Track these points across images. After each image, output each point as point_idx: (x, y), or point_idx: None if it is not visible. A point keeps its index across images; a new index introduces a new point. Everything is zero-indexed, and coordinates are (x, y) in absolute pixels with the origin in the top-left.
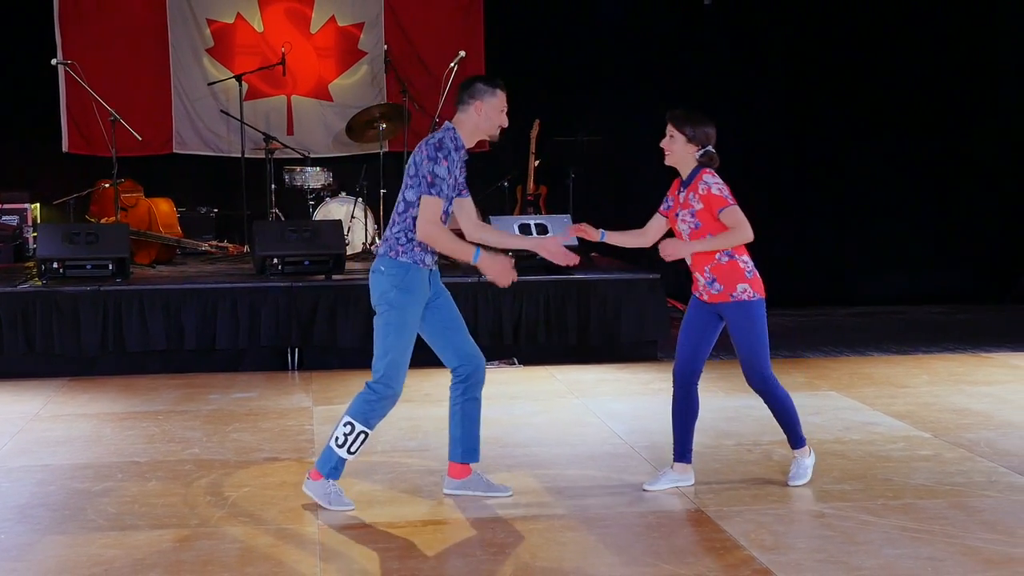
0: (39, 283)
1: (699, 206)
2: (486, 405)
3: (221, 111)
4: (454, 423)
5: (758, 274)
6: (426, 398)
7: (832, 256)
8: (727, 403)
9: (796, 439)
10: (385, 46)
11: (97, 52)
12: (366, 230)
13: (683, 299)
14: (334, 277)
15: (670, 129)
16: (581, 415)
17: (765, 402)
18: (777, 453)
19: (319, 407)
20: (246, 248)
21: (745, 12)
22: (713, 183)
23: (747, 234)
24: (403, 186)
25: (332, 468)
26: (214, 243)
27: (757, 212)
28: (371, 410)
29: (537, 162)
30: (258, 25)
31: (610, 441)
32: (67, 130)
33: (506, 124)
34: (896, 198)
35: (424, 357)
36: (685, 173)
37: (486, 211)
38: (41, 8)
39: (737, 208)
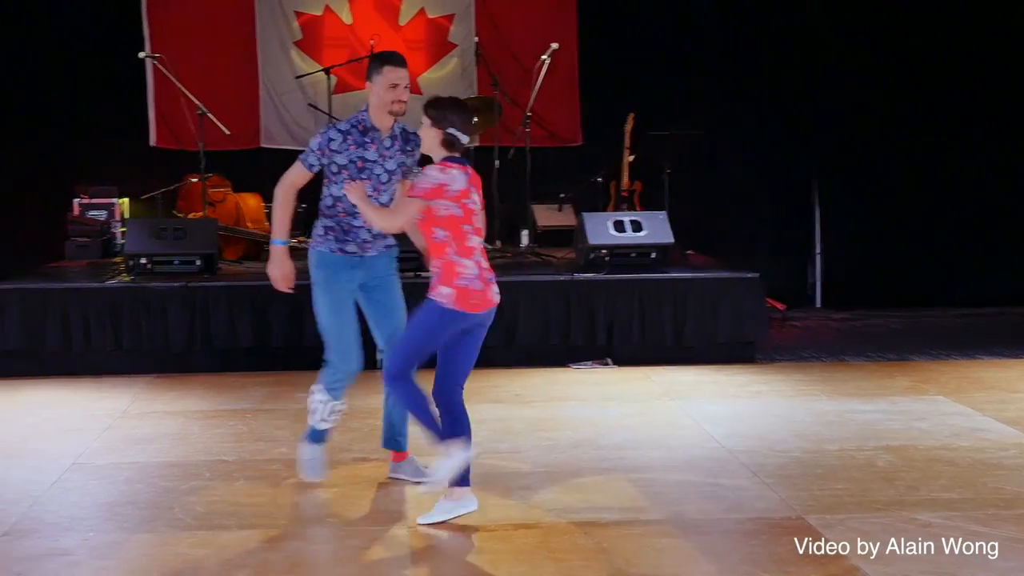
0: (127, 279)
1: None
2: (580, 405)
3: (309, 105)
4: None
5: (473, 291)
6: (517, 399)
7: (938, 256)
8: (828, 407)
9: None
10: (476, 38)
11: (184, 45)
12: None
13: (782, 299)
14: (422, 275)
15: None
16: (677, 417)
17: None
18: (882, 459)
19: None
20: None
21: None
22: (428, 172)
23: (390, 222)
24: None
25: (308, 434)
26: (302, 238)
27: (864, 211)
28: (332, 382)
29: (632, 157)
30: (347, 17)
31: (706, 445)
32: (155, 124)
33: (400, 99)
34: (1004, 198)
35: (504, 358)
36: (436, 159)
37: (579, 206)
38: (129, 2)
39: (413, 200)
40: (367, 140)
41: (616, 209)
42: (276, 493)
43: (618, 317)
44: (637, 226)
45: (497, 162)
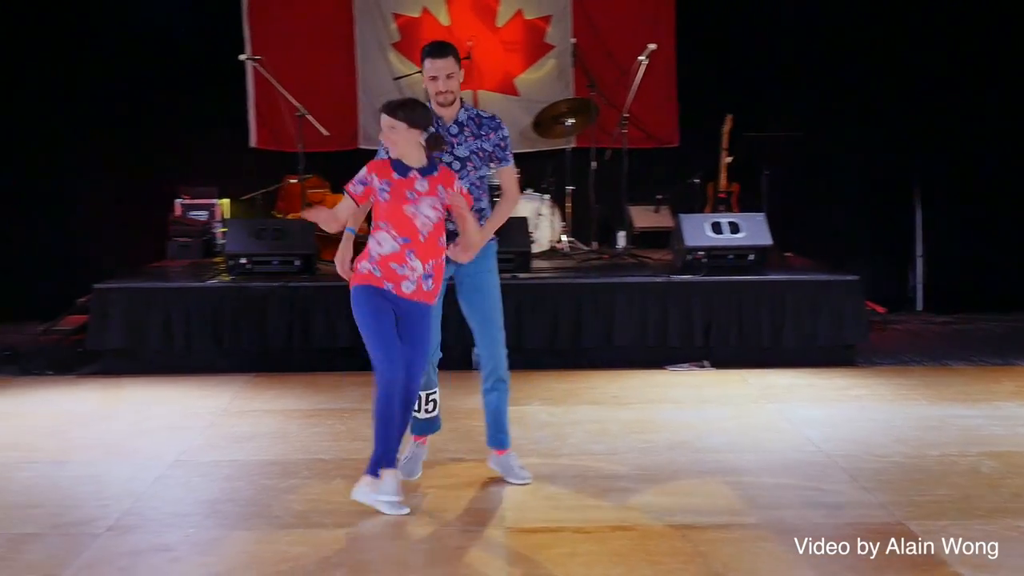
0: (227, 279)
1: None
2: (677, 408)
3: None
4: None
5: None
6: (614, 400)
7: None
8: (930, 412)
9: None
10: (573, 39)
11: (284, 47)
12: (553, 227)
13: (883, 302)
14: (520, 276)
15: (387, 121)
16: (774, 421)
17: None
18: (985, 465)
19: None
20: None
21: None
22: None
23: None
24: None
25: (415, 428)
26: None
27: (966, 213)
28: None
29: (730, 159)
30: (444, 19)
31: (805, 448)
32: (254, 125)
33: (440, 90)
34: None
35: (601, 359)
36: (417, 160)
37: (676, 208)
38: (230, 4)
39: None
40: (465, 127)
41: (713, 211)
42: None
43: (715, 319)
44: (735, 228)
45: (594, 163)
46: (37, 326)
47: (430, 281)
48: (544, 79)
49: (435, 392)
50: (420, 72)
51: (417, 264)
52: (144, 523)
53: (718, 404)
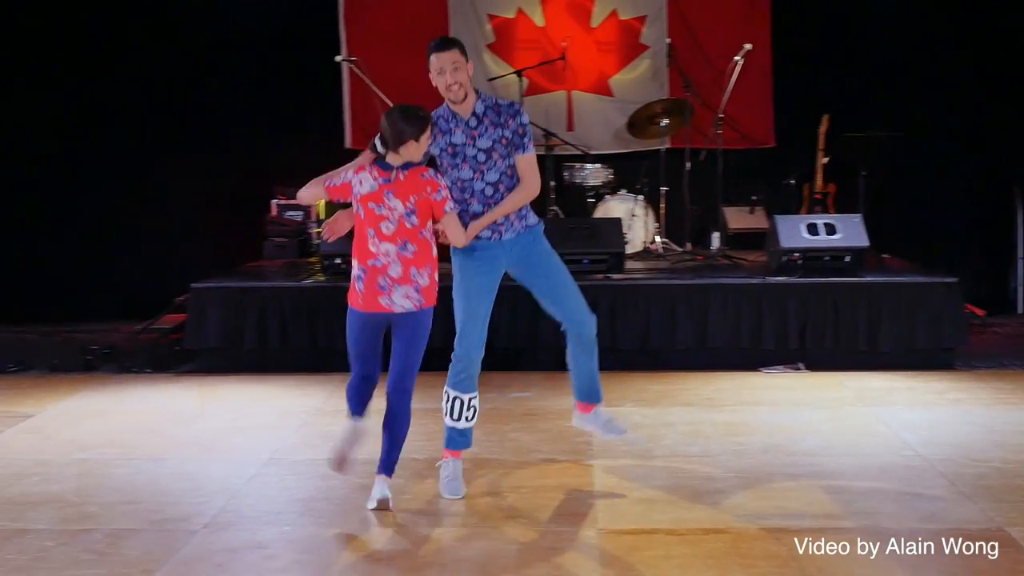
0: (322, 278)
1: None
2: (772, 410)
3: None
4: (571, 370)
5: (356, 290)
6: (708, 402)
7: None
8: None
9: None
10: (668, 40)
11: (379, 48)
12: (647, 228)
13: (982, 305)
14: (613, 277)
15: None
16: (871, 424)
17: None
18: None
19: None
20: None
21: None
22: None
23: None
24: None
25: (447, 440)
26: None
27: None
28: (453, 374)
29: (826, 159)
30: (539, 19)
31: (902, 453)
32: (350, 126)
33: (449, 83)
34: None
35: (695, 361)
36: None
37: (771, 209)
38: (326, 6)
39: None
40: (451, 125)
41: (809, 212)
42: (466, 492)
43: (811, 321)
44: (831, 229)
45: (688, 164)
46: (136, 325)
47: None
48: (639, 80)
49: (475, 397)
50: (515, 73)
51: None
52: (239, 520)
53: (813, 407)
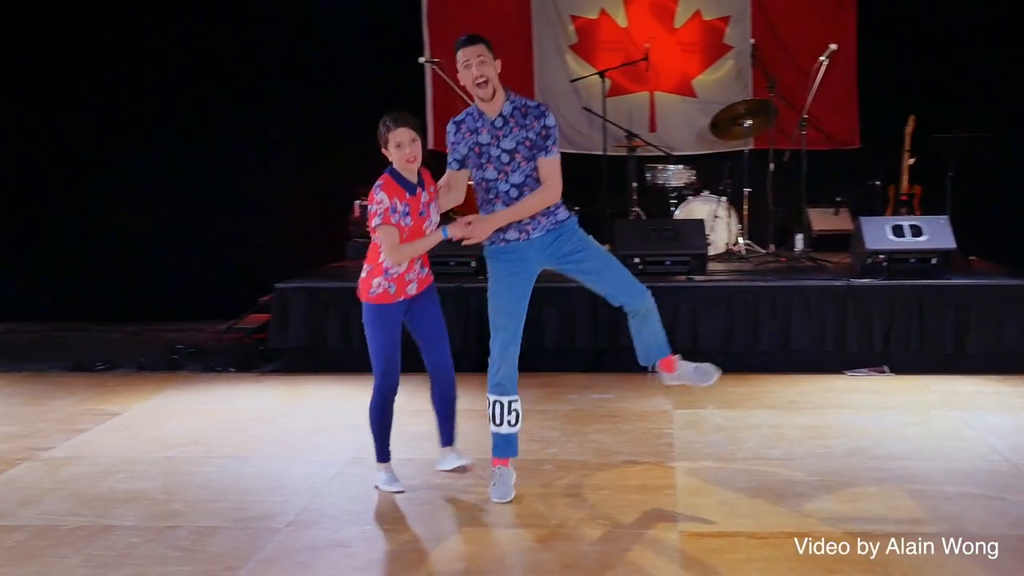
0: None
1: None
2: (855, 413)
3: (583, 108)
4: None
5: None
6: (790, 405)
7: None
8: None
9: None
10: (752, 40)
11: None
12: (729, 230)
13: None
14: (696, 278)
15: (408, 135)
16: (957, 428)
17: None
18: None
19: (679, 411)
20: (606, 247)
21: None
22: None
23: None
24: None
25: (493, 447)
26: None
27: None
28: (489, 377)
29: (912, 160)
30: (622, 20)
31: (989, 457)
32: (433, 128)
33: (471, 79)
34: None
35: (778, 364)
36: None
37: (856, 210)
38: (410, 8)
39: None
40: (479, 125)
41: (895, 213)
42: (547, 493)
43: (896, 324)
44: (917, 231)
45: (772, 165)
46: (220, 324)
47: (419, 265)
48: (722, 80)
49: (516, 400)
50: (597, 74)
51: (416, 263)
52: (322, 519)
53: (898, 410)
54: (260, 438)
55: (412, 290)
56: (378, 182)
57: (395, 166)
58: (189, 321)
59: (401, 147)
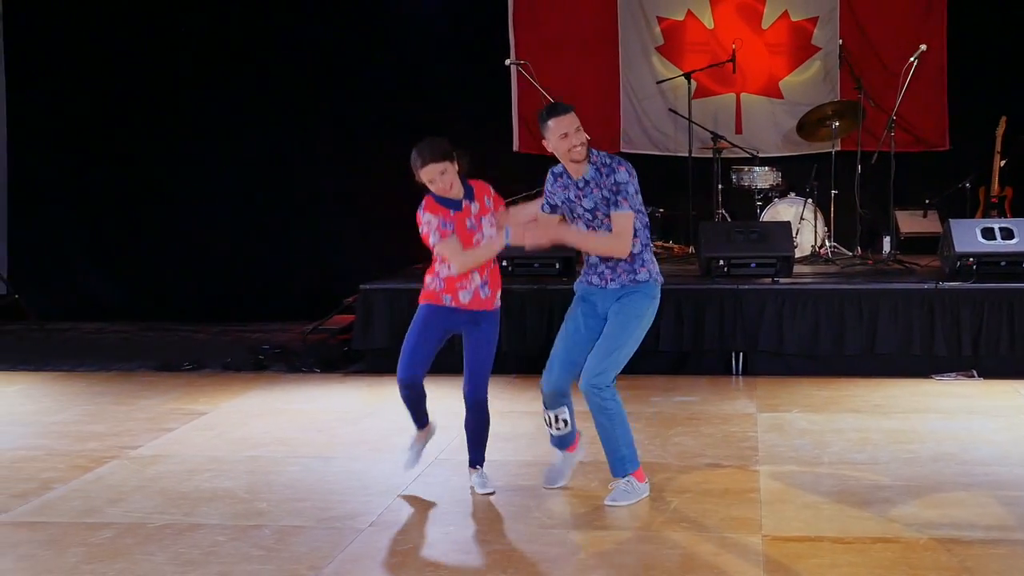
0: None
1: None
2: (943, 418)
3: (669, 110)
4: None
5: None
6: (876, 409)
7: None
8: None
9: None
10: (840, 41)
11: (548, 52)
12: (815, 232)
13: None
14: (781, 280)
15: (437, 168)
16: None
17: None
18: None
19: (763, 414)
20: (691, 249)
21: None
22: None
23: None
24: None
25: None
26: (659, 243)
27: None
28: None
29: (1003, 162)
30: (708, 22)
31: None
32: (518, 130)
33: (573, 144)
34: None
35: (864, 367)
36: (459, 191)
37: (945, 213)
38: (496, 11)
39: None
40: (567, 181)
41: (985, 216)
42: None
43: (985, 328)
44: (1008, 233)
45: (859, 167)
46: (305, 325)
47: (486, 288)
48: (809, 81)
49: (564, 412)
50: (683, 76)
51: (475, 276)
52: (405, 520)
53: (987, 415)
54: (344, 438)
55: (465, 299)
56: (420, 204)
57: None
58: (274, 322)
59: (433, 183)
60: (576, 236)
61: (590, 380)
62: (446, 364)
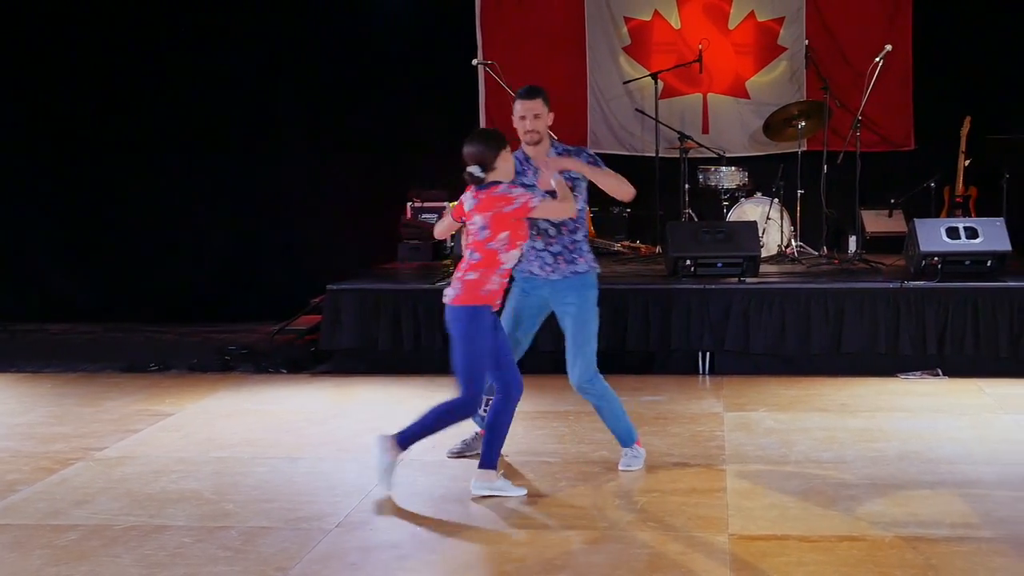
0: None
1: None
2: (908, 416)
3: (636, 110)
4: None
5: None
6: (842, 408)
7: None
8: None
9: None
10: (806, 41)
11: (515, 52)
12: (782, 232)
13: None
14: (748, 280)
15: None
16: (1012, 432)
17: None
18: None
19: (730, 413)
20: (658, 249)
21: None
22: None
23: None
24: None
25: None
26: (626, 243)
27: None
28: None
29: (967, 162)
30: (675, 22)
31: None
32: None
33: (526, 129)
34: None
35: (830, 366)
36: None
37: (910, 212)
38: (462, 10)
39: None
40: (525, 167)
41: (950, 215)
42: (597, 495)
43: (950, 327)
44: (972, 233)
45: (825, 167)
46: (272, 325)
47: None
48: (775, 82)
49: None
50: (650, 76)
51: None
52: (372, 520)
53: (952, 414)
54: (311, 439)
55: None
56: (494, 190)
57: None
58: (241, 322)
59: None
60: (590, 169)
61: (579, 382)
62: (446, 364)
